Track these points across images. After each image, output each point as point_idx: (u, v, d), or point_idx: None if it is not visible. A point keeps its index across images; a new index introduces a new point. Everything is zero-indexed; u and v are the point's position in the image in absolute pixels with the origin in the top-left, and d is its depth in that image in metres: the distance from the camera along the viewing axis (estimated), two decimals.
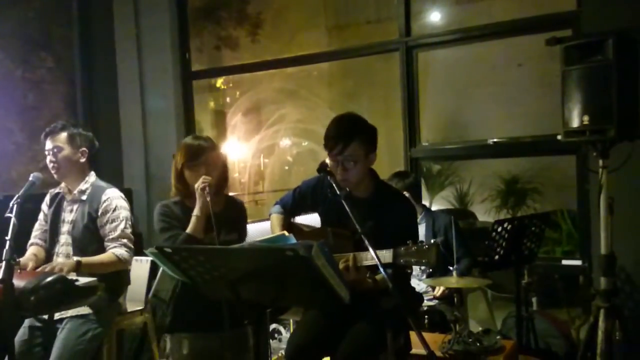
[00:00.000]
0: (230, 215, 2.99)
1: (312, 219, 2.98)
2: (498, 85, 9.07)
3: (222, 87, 8.00)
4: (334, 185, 2.46)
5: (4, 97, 5.15)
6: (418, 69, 4.64)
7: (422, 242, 2.33)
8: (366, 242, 2.22)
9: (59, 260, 3.09)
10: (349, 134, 2.59)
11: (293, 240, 2.22)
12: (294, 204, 2.90)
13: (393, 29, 4.82)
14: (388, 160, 6.44)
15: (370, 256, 2.30)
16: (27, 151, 5.23)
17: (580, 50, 3.05)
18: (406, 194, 4.02)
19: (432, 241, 2.34)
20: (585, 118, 3.00)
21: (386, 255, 2.36)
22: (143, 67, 5.66)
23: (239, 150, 6.53)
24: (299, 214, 2.97)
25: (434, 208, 9.67)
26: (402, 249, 2.34)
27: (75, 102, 5.70)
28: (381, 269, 2.14)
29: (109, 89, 5.76)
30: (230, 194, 3.48)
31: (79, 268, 2.88)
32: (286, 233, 2.25)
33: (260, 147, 7.71)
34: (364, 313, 2.57)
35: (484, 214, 9.29)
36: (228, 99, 8.06)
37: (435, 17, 6.92)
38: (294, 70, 6.93)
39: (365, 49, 5.13)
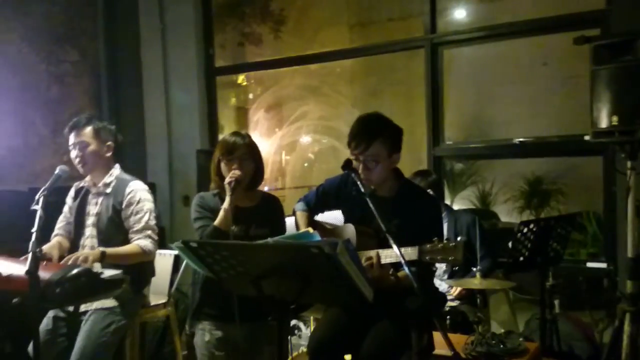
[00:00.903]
0: (263, 210, 3.00)
1: (334, 216, 2.98)
2: (522, 84, 8.96)
3: (244, 83, 8.02)
4: (358, 183, 2.45)
5: (29, 90, 5.22)
6: (443, 66, 4.60)
7: (448, 239, 2.31)
8: (391, 240, 2.20)
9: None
10: (372, 133, 2.59)
11: (318, 237, 2.21)
12: (317, 201, 2.90)
13: (416, 26, 4.80)
14: (410, 159, 6.41)
15: (394, 253, 2.29)
16: (50, 144, 5.29)
17: (609, 50, 3.01)
18: (429, 192, 4.02)
19: (458, 238, 2.32)
20: (614, 118, 2.96)
21: (411, 252, 2.35)
22: (167, 62, 5.71)
23: (260, 146, 6.54)
24: (322, 212, 2.98)
25: (455, 207, 9.64)
26: (428, 246, 2.32)
27: (100, 96, 5.76)
28: (405, 267, 2.13)
29: (133, 83, 5.81)
30: None
31: (103, 258, 2.90)
32: (311, 230, 2.24)
33: (281, 143, 7.72)
34: (387, 311, 2.56)
35: (507, 214, 9.19)
36: (250, 96, 8.08)
37: (460, 14, 6.84)
38: (316, 67, 6.93)
39: (390, 45, 5.10)
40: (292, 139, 7.91)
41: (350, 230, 2.68)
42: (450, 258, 2.26)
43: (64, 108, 5.51)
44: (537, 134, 7.67)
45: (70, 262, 2.79)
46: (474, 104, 9.27)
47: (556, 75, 8.29)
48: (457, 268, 3.80)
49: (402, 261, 2.16)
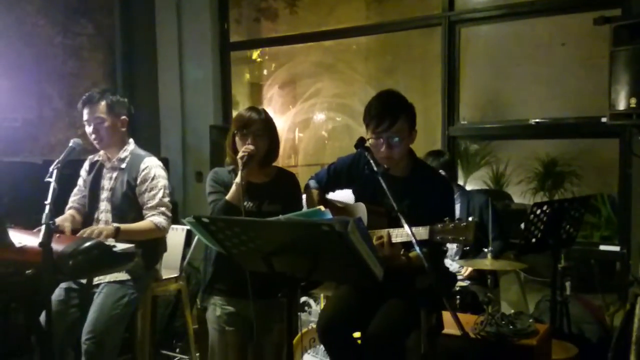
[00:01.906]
0: (277, 186, 2.99)
1: (344, 195, 2.98)
2: (540, 64, 8.83)
3: (258, 59, 7.97)
4: (371, 161, 2.44)
5: (44, 63, 5.23)
6: (460, 45, 4.54)
7: (459, 219, 2.30)
8: (402, 219, 2.20)
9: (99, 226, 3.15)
10: (396, 110, 2.57)
11: (329, 215, 2.21)
12: (329, 180, 2.90)
13: (434, 3, 4.72)
14: (424, 138, 6.36)
15: (405, 233, 2.29)
16: (65, 117, 5.31)
17: (630, 31, 2.97)
18: (441, 172, 4.00)
19: (470, 218, 2.30)
20: (633, 100, 2.93)
21: (422, 232, 2.33)
22: (182, 37, 5.69)
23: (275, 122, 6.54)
24: (333, 190, 2.97)
25: (468, 188, 9.59)
26: (439, 226, 2.31)
27: (115, 69, 5.76)
28: (416, 247, 2.13)
29: (148, 58, 5.80)
30: None
31: (117, 234, 2.92)
32: (322, 208, 2.23)
33: (295, 120, 7.69)
34: (397, 290, 2.56)
35: (520, 195, 9.12)
36: (265, 72, 8.02)
37: None
38: (331, 44, 6.85)
39: (406, 23, 5.05)
40: (305, 116, 7.87)
41: (362, 208, 2.67)
42: (461, 238, 2.25)
43: (80, 81, 5.52)
44: (553, 114, 7.55)
45: (85, 235, 2.81)
46: (490, 83, 9.15)
47: (575, 56, 8.16)
48: (468, 248, 3.80)
49: (413, 240, 2.16)
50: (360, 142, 2.55)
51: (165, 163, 5.51)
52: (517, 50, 8.49)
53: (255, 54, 7.75)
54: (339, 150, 7.49)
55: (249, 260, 2.24)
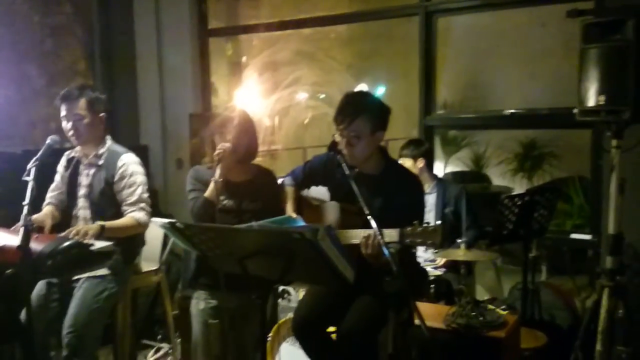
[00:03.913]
0: (256, 184, 3.05)
1: (321, 191, 3.04)
2: (520, 47, 8.89)
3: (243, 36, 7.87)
4: (343, 165, 2.49)
5: (22, 42, 5.20)
6: (437, 34, 4.57)
7: (427, 223, 2.38)
8: (373, 223, 2.26)
9: (79, 223, 3.18)
10: (355, 110, 2.64)
11: (301, 222, 2.27)
12: (304, 177, 2.97)
13: None
14: (404, 124, 6.42)
15: (392, 233, 2.36)
16: (46, 94, 5.27)
17: (600, 29, 3.00)
18: (421, 161, 4.07)
19: (437, 222, 2.38)
20: (601, 98, 2.98)
21: (392, 234, 2.41)
22: (160, 20, 5.63)
23: (254, 108, 6.55)
24: (308, 187, 3.03)
25: (448, 170, 9.69)
26: (409, 229, 2.38)
27: (93, 51, 5.72)
28: (384, 249, 2.19)
29: (126, 41, 5.74)
30: None
31: (102, 232, 2.95)
32: (294, 215, 2.29)
33: (275, 107, 7.70)
34: (368, 288, 2.64)
35: (499, 176, 9.24)
36: (244, 49, 7.94)
37: None
38: (310, 31, 6.84)
39: (384, 12, 5.06)
40: (285, 104, 7.89)
41: (335, 208, 2.74)
42: (429, 242, 2.32)
43: (59, 60, 5.50)
44: (533, 97, 7.65)
45: (70, 235, 2.81)
46: (469, 66, 9.20)
47: (555, 36, 8.20)
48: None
49: (381, 242, 2.22)
50: (333, 145, 2.61)
51: (145, 150, 5.56)
52: (496, 33, 8.52)
53: None
54: (317, 138, 7.52)
55: (223, 262, 2.30)
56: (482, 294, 4.60)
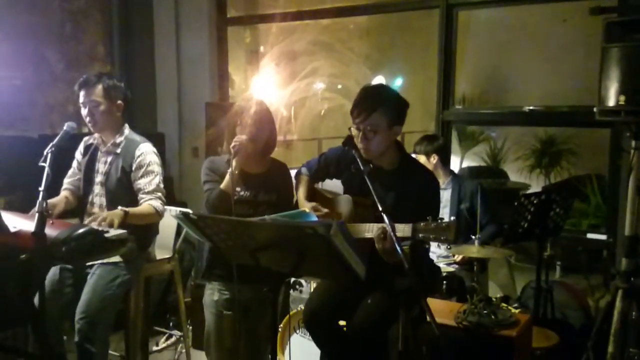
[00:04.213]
0: (271, 177, 3.06)
1: (335, 184, 3.04)
2: (541, 42, 8.79)
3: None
4: (358, 160, 2.48)
5: (42, 26, 5.24)
6: (457, 28, 4.53)
7: (441, 219, 2.36)
8: (385, 218, 2.25)
9: (94, 210, 3.21)
10: (373, 103, 2.62)
11: (314, 217, 2.27)
12: (318, 169, 2.96)
13: None
14: (421, 117, 6.39)
15: (401, 228, 2.35)
16: (64, 78, 5.32)
17: (622, 28, 2.95)
18: (435, 157, 4.04)
19: (451, 218, 2.37)
20: (622, 98, 2.93)
21: (405, 229, 2.39)
22: (179, 9, 5.65)
23: (270, 99, 6.54)
24: (322, 180, 3.03)
25: (465, 164, 9.64)
26: (422, 224, 2.37)
27: (112, 36, 5.75)
28: (397, 247, 2.18)
29: (144, 27, 5.78)
30: None
31: (126, 219, 2.96)
32: (307, 209, 2.29)
33: (292, 97, 7.69)
34: (379, 284, 2.63)
35: (516, 172, 9.18)
36: (263, 37, 7.92)
37: None
38: (329, 22, 6.80)
39: (404, 4, 5.02)
40: (302, 95, 7.86)
41: (348, 201, 2.73)
42: (442, 238, 2.31)
43: (78, 45, 5.53)
44: (555, 93, 7.57)
45: (95, 224, 2.83)
46: (490, 60, 9.13)
47: (576, 32, 8.11)
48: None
49: (394, 238, 2.21)
50: (348, 140, 2.59)
51: (162, 138, 5.59)
52: (517, 27, 8.44)
53: None
54: (333, 129, 7.50)
55: (236, 254, 2.30)
56: (494, 291, 4.57)
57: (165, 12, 5.65)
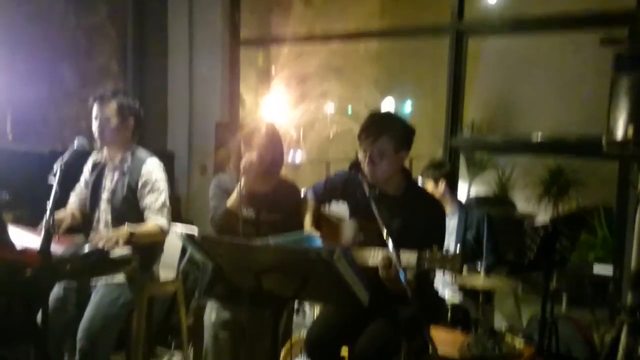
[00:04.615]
0: (277, 196, 3.07)
1: (343, 208, 3.03)
2: (552, 71, 8.81)
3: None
4: (364, 185, 2.48)
5: (57, 42, 5.28)
6: (467, 55, 4.54)
7: (447, 250, 2.35)
8: (390, 245, 2.24)
9: (100, 227, 3.22)
10: (380, 128, 2.64)
11: (318, 241, 2.27)
12: (324, 193, 2.96)
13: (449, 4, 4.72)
14: (429, 141, 6.39)
15: (407, 256, 2.35)
16: (78, 94, 5.36)
17: (632, 59, 2.96)
18: (443, 183, 4.04)
19: (457, 249, 2.36)
20: (630, 128, 2.92)
21: (410, 258, 2.39)
22: (193, 30, 5.70)
23: (280, 120, 6.58)
24: (328, 202, 3.03)
25: (473, 191, 9.61)
26: (427, 253, 2.36)
27: (125, 55, 5.80)
28: (401, 275, 2.17)
29: (158, 46, 5.82)
30: None
31: (131, 238, 2.97)
32: (312, 232, 2.29)
33: (301, 119, 7.73)
34: (382, 312, 2.62)
35: (524, 201, 9.14)
36: (275, 59, 7.98)
37: (489, 2, 6.75)
38: (340, 45, 6.85)
39: (415, 30, 5.06)
40: (312, 116, 7.91)
41: (353, 226, 2.73)
42: (448, 267, 2.30)
43: (92, 63, 5.58)
44: (564, 123, 7.57)
45: (101, 244, 2.82)
46: (501, 87, 9.15)
47: (588, 61, 8.13)
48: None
49: (399, 266, 2.20)
50: (355, 165, 2.60)
51: (171, 156, 5.61)
52: (529, 56, 8.46)
53: None
54: (342, 151, 7.50)
55: (239, 275, 2.30)
56: (500, 322, 4.54)
57: (179, 32, 5.71)
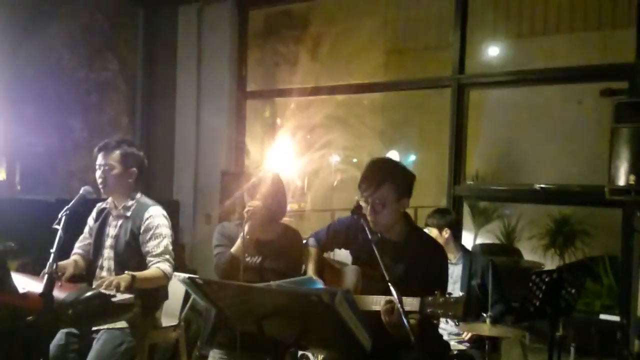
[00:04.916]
0: (282, 244, 3.08)
1: (344, 255, 3.04)
2: (556, 122, 8.90)
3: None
4: (366, 229, 2.49)
5: (68, 95, 5.40)
6: (469, 107, 4.63)
7: (450, 294, 2.34)
8: (393, 290, 2.24)
9: (103, 274, 3.22)
10: (380, 177, 2.65)
11: (320, 284, 2.26)
12: (327, 239, 2.96)
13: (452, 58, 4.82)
14: (434, 193, 6.42)
15: (414, 302, 2.34)
16: (87, 146, 5.43)
17: (631, 109, 3.01)
18: (447, 231, 4.03)
19: (460, 294, 2.35)
20: (632, 177, 2.96)
21: (413, 303, 2.38)
22: (201, 82, 5.84)
23: (284, 169, 6.65)
24: (331, 250, 3.03)
25: (478, 241, 9.57)
26: (430, 299, 2.35)
27: (134, 108, 5.92)
28: (404, 319, 2.16)
29: (167, 99, 5.96)
30: None
31: (133, 283, 2.97)
32: (314, 277, 2.29)
33: (306, 168, 7.80)
34: (386, 359, 2.58)
35: (531, 251, 9.09)
36: (280, 111, 8.11)
37: (493, 51, 6.89)
38: (344, 97, 6.99)
39: (417, 82, 5.16)
40: (316, 165, 7.98)
41: (356, 272, 2.72)
42: (450, 313, 2.28)
43: (102, 115, 5.69)
44: (568, 173, 7.61)
45: (103, 288, 2.84)
46: (504, 138, 9.24)
47: (591, 114, 8.21)
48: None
49: (401, 311, 2.19)
50: (357, 209, 2.61)
51: (177, 205, 5.65)
52: (531, 107, 8.56)
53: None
54: (345, 201, 7.54)
55: (240, 321, 2.30)
56: None
57: (187, 84, 5.84)
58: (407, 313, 2.24)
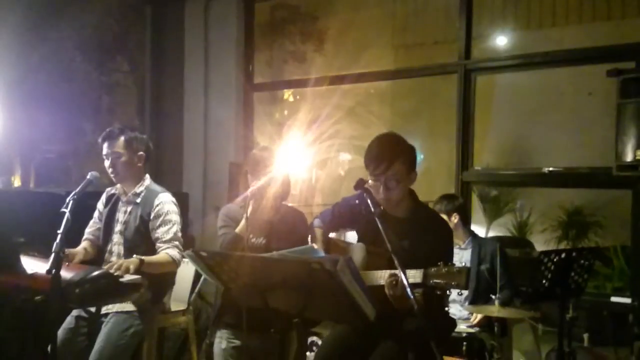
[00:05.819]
0: (286, 224, 3.09)
1: (351, 236, 3.04)
2: (566, 113, 8.83)
3: (290, 99, 8.07)
4: (369, 202, 2.48)
5: (80, 98, 5.43)
6: (476, 92, 4.60)
7: (453, 264, 2.33)
8: (396, 261, 2.23)
9: (112, 259, 3.24)
10: (392, 154, 2.62)
11: (321, 253, 2.27)
12: (332, 220, 2.96)
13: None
14: (445, 183, 6.38)
15: (418, 274, 2.32)
16: (98, 151, 5.46)
17: (637, 83, 2.99)
18: (455, 216, 4.03)
19: (463, 264, 2.34)
20: (639, 152, 2.93)
21: (416, 275, 2.37)
22: (208, 77, 5.87)
23: (293, 162, 6.65)
24: (337, 230, 3.03)
25: (491, 234, 9.51)
26: (433, 270, 2.35)
27: (144, 106, 5.95)
28: (407, 290, 2.16)
29: (175, 95, 5.99)
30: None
31: (142, 267, 2.99)
32: (315, 246, 2.29)
33: (313, 160, 7.80)
34: (390, 332, 2.58)
35: (544, 244, 9.00)
36: (285, 112, 8.12)
37: (501, 41, 6.86)
38: (350, 87, 6.98)
39: (424, 69, 5.15)
40: (323, 157, 7.97)
41: (361, 249, 2.72)
42: (453, 283, 2.28)
43: (114, 116, 5.71)
44: (577, 163, 7.54)
45: (112, 270, 2.86)
46: (514, 129, 9.17)
47: (602, 105, 8.13)
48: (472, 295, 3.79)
49: (405, 282, 2.19)
50: (359, 183, 2.59)
51: (186, 198, 5.67)
52: (542, 99, 8.50)
53: (286, 94, 7.87)
54: (353, 191, 7.54)
55: (244, 294, 2.30)
56: (518, 359, 4.43)
57: (195, 79, 5.87)
58: (411, 286, 2.24)
